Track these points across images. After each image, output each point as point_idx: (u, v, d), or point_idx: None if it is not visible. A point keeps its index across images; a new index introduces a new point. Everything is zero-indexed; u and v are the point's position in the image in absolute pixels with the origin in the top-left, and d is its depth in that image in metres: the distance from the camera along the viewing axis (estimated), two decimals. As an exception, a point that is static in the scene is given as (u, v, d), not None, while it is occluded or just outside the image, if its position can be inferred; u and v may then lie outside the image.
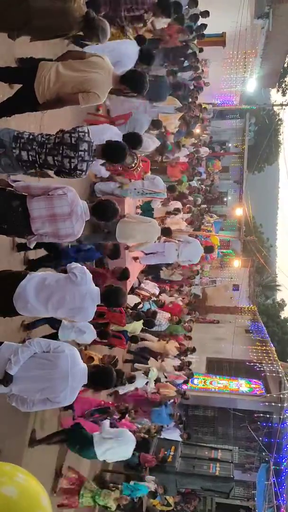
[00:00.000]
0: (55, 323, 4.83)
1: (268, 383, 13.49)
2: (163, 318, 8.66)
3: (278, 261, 36.37)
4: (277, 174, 44.27)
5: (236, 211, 24.04)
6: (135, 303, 7.41)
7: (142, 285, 9.19)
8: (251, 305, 19.61)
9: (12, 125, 3.54)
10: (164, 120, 7.88)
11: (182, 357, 9.62)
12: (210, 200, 19.59)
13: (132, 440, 5.66)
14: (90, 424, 5.72)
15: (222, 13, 11.48)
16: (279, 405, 12.48)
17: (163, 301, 9.18)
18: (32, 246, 3.48)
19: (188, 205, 10.89)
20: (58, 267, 4.79)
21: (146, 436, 7.00)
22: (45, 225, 3.28)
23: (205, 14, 9.65)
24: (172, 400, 9.20)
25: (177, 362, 9.29)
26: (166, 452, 9.13)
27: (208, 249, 9.85)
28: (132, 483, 7.07)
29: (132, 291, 8.42)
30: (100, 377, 3.46)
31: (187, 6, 8.97)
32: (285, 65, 22.29)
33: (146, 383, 8.07)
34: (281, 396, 12.66)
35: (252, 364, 13.71)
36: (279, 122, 29.10)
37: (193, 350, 10.78)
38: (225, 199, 25.42)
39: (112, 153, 3.52)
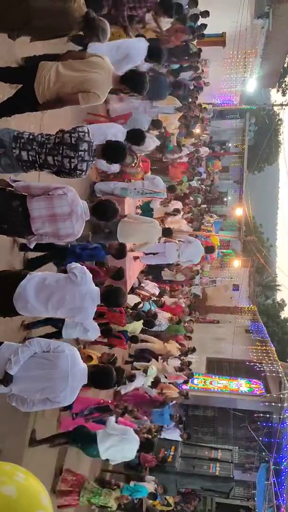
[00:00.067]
0: (58, 322, 4.83)
1: (268, 383, 13.48)
2: (163, 318, 8.66)
3: (278, 261, 36.37)
4: (277, 174, 44.30)
5: (236, 211, 24.04)
6: (135, 303, 7.41)
7: (142, 285, 9.19)
8: (251, 305, 19.60)
9: (12, 125, 3.54)
10: (164, 120, 7.88)
11: (182, 357, 9.62)
12: (210, 200, 19.58)
13: (136, 440, 5.66)
14: (92, 424, 5.72)
15: (222, 13, 11.48)
16: (279, 405, 12.48)
17: (163, 301, 9.18)
18: (32, 246, 3.48)
19: (188, 205, 10.89)
20: (63, 265, 4.79)
21: (150, 436, 6.99)
22: (45, 225, 3.28)
23: (205, 14, 9.66)
24: (174, 401, 9.20)
25: (178, 362, 9.28)
26: (166, 452, 9.14)
27: (209, 249, 9.86)
28: (132, 484, 7.06)
29: (132, 291, 8.42)
30: (100, 377, 3.47)
31: (187, 6, 8.98)
32: (285, 65, 22.29)
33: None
34: (281, 396, 12.66)
35: (252, 364, 13.71)
36: (279, 122, 29.10)
37: (193, 350, 10.79)
38: (225, 199, 25.41)
39: (112, 153, 3.52)
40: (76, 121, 5.62)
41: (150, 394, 8.38)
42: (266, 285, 27.83)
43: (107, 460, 6.06)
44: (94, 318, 3.94)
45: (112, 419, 5.69)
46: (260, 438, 12.93)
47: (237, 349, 14.16)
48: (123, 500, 6.13)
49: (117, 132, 5.51)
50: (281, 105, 22.81)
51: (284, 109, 22.98)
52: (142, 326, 7.45)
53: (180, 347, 9.61)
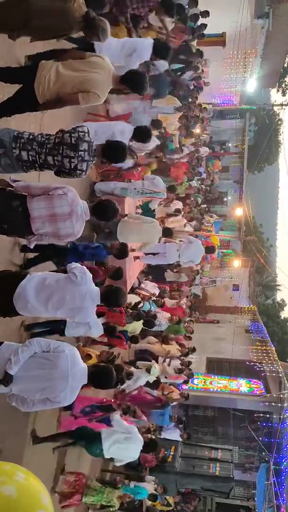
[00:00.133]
0: (58, 326, 4.82)
1: (268, 383, 13.48)
2: (163, 318, 8.66)
3: (278, 261, 36.37)
4: (277, 174, 44.33)
5: (236, 211, 24.03)
6: (135, 303, 7.41)
7: (142, 285, 9.19)
8: (251, 305, 19.60)
9: (12, 125, 3.54)
10: (164, 120, 7.88)
11: (182, 358, 9.61)
12: (210, 200, 19.57)
13: (140, 440, 5.65)
14: (95, 424, 5.72)
15: (222, 13, 11.48)
16: (279, 405, 12.48)
17: (163, 301, 9.18)
18: (32, 246, 3.48)
19: (189, 205, 10.89)
20: (64, 265, 4.79)
21: (153, 437, 7.00)
22: (45, 225, 3.28)
23: (205, 14, 9.66)
24: (175, 402, 9.20)
25: (177, 363, 9.27)
26: (166, 452, 9.13)
27: (209, 249, 9.84)
28: (132, 485, 7.04)
29: (132, 290, 8.42)
30: (100, 377, 3.47)
31: (187, 6, 8.98)
32: (285, 65, 22.29)
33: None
34: (281, 396, 12.66)
35: (252, 364, 13.71)
36: (279, 122, 29.09)
37: (193, 350, 10.79)
38: (225, 199, 25.40)
39: (112, 153, 3.52)
40: (76, 121, 5.61)
41: (154, 395, 8.39)
42: (266, 285, 27.82)
43: (111, 459, 6.05)
44: (94, 318, 3.94)
45: (117, 415, 5.69)
46: (260, 438, 12.93)
47: (237, 349, 14.15)
48: (126, 499, 6.13)
49: (124, 129, 5.52)
50: (281, 105, 22.81)
51: (284, 109, 22.98)
52: (142, 326, 7.44)
53: (180, 348, 9.60)
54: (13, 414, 4.21)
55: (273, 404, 12.50)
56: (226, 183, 24.50)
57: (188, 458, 9.86)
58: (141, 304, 7.69)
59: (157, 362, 9.02)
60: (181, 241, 8.49)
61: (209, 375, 14.03)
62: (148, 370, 7.77)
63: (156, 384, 8.26)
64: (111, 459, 6.15)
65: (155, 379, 8.01)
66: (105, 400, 6.16)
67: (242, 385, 13.64)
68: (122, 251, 5.25)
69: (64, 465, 5.90)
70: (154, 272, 10.00)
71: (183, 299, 10.51)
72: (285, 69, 23.00)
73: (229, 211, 24.90)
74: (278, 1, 12.49)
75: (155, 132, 7.52)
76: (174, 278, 10.34)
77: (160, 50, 5.06)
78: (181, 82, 8.87)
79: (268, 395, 12.82)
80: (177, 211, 9.53)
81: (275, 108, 24.58)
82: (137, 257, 7.78)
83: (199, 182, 14.48)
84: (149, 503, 7.76)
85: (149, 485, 7.49)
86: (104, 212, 3.63)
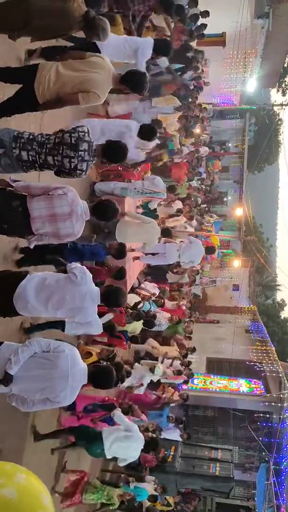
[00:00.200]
0: (57, 327, 4.82)
1: (268, 383, 13.48)
2: (163, 318, 8.65)
3: (278, 261, 36.34)
4: (277, 174, 44.36)
5: (236, 211, 24.03)
6: (135, 303, 7.41)
7: (142, 285, 9.18)
8: (251, 305, 19.60)
9: (12, 125, 3.54)
10: (164, 120, 7.88)
11: (182, 358, 9.59)
12: (210, 200, 19.58)
13: (141, 439, 5.64)
14: (96, 425, 5.72)
15: (222, 13, 11.48)
16: (279, 405, 12.47)
17: (163, 301, 9.17)
18: (32, 246, 3.49)
19: (189, 205, 10.88)
20: (64, 264, 4.77)
21: (154, 435, 6.98)
22: (45, 225, 3.28)
23: (205, 14, 9.65)
24: (174, 404, 9.19)
25: (177, 363, 9.25)
26: (166, 452, 9.12)
27: (209, 250, 9.81)
28: (132, 485, 7.03)
29: (132, 290, 8.41)
30: (100, 377, 3.47)
31: (187, 6, 8.98)
32: (285, 65, 22.29)
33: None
34: (281, 396, 12.65)
35: (252, 364, 13.71)
36: (279, 122, 29.09)
37: (193, 350, 10.78)
38: (225, 199, 25.41)
39: (112, 153, 3.52)
40: (76, 121, 5.62)
41: (155, 395, 8.38)
42: (266, 285, 27.82)
43: (112, 459, 6.03)
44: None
45: (118, 411, 5.68)
46: (260, 438, 12.92)
47: (237, 349, 14.15)
48: (126, 497, 6.13)
49: (131, 125, 5.53)
50: (281, 105, 22.82)
51: (284, 109, 22.99)
52: (142, 326, 7.44)
53: (179, 349, 9.57)
54: (13, 414, 4.21)
55: (273, 404, 12.50)
56: (226, 183, 24.51)
57: (188, 458, 9.86)
58: (141, 304, 7.69)
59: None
60: (181, 241, 8.48)
61: (209, 375, 14.02)
62: (152, 370, 7.75)
63: (157, 385, 8.26)
64: (112, 459, 6.14)
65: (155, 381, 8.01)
66: (107, 398, 6.16)
67: (242, 385, 13.64)
68: (120, 251, 5.24)
69: (66, 462, 5.89)
70: (154, 273, 9.99)
71: (183, 301, 10.50)
72: (285, 69, 23.00)
73: (229, 211, 24.90)
74: (278, 1, 12.49)
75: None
76: (176, 279, 10.32)
77: (160, 47, 5.08)
78: (182, 82, 8.88)
79: (268, 395, 12.82)
80: (179, 211, 9.53)
81: (275, 108, 24.60)
82: (136, 257, 7.78)
83: (199, 182, 14.48)
84: (148, 503, 7.75)
85: (149, 485, 7.48)
86: (104, 212, 3.62)
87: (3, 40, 3.78)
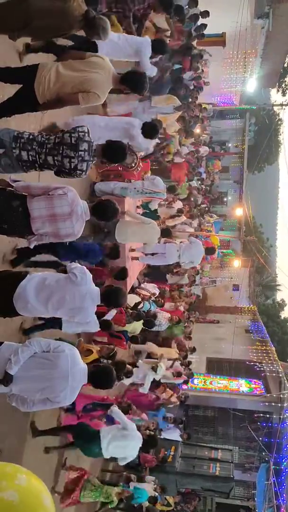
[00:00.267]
0: (55, 325, 4.81)
1: (268, 383, 13.49)
2: (163, 318, 8.64)
3: (278, 261, 36.36)
4: (277, 174, 44.36)
5: (236, 211, 24.05)
6: (135, 303, 7.41)
7: (142, 285, 9.18)
8: (251, 305, 19.60)
9: (12, 125, 3.54)
10: (163, 120, 7.87)
11: (182, 359, 9.56)
12: (210, 200, 19.58)
13: (138, 437, 5.62)
14: (95, 423, 5.71)
15: (222, 13, 11.48)
16: (279, 405, 12.48)
17: (162, 301, 9.16)
18: (32, 246, 3.49)
19: (188, 205, 10.89)
20: (62, 263, 4.75)
21: (152, 433, 6.96)
22: (45, 225, 3.28)
23: (205, 14, 9.66)
24: (172, 405, 9.17)
25: (178, 364, 9.23)
26: (166, 452, 9.12)
27: (209, 250, 9.79)
28: (131, 486, 7.02)
29: (132, 290, 8.41)
30: (100, 377, 3.47)
31: (187, 6, 8.98)
32: (285, 65, 22.30)
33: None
34: (281, 396, 12.66)
35: (252, 364, 13.71)
36: (279, 122, 29.10)
37: (193, 350, 10.77)
38: (225, 199, 25.42)
39: (112, 153, 3.53)
40: (77, 116, 5.61)
41: (157, 395, 8.37)
42: (266, 285, 27.82)
43: (112, 459, 6.02)
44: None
45: (115, 407, 5.67)
46: (260, 438, 12.93)
47: (237, 349, 14.15)
48: (124, 494, 6.13)
49: (133, 122, 5.54)
50: (281, 105, 22.84)
51: (284, 109, 23.01)
52: (142, 326, 7.44)
53: (179, 351, 9.55)
54: (13, 414, 4.21)
55: (273, 404, 12.51)
56: (226, 183, 24.52)
57: (188, 458, 9.85)
58: (141, 305, 7.69)
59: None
60: (181, 241, 8.48)
61: (209, 375, 14.03)
62: (154, 369, 7.75)
63: (157, 384, 8.25)
64: (112, 459, 6.13)
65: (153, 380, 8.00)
66: (106, 397, 6.15)
67: (242, 385, 13.65)
68: (113, 252, 5.22)
69: (66, 458, 5.88)
70: (154, 273, 9.99)
71: (181, 302, 10.44)
72: (285, 69, 23.01)
73: (229, 211, 24.92)
74: (278, 1, 12.50)
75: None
76: (176, 280, 10.32)
77: (157, 46, 5.10)
78: (183, 83, 8.87)
79: (268, 395, 12.83)
80: (179, 211, 9.53)
81: (275, 108, 24.61)
82: (135, 258, 7.77)
83: (199, 182, 14.49)
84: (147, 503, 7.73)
85: (149, 486, 7.46)
86: (104, 212, 3.63)
87: (3, 40, 3.78)
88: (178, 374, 8.82)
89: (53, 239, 3.46)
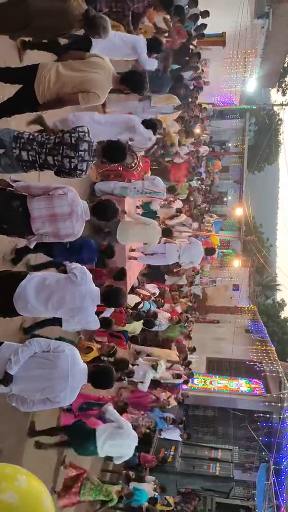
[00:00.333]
0: (55, 323, 4.80)
1: (268, 383, 13.49)
2: (163, 318, 8.64)
3: (278, 261, 36.36)
4: (277, 174, 44.35)
5: (236, 211, 24.06)
6: (135, 303, 7.41)
7: (142, 285, 9.17)
8: (251, 305, 19.60)
9: (12, 125, 3.54)
10: (163, 121, 7.86)
11: (182, 361, 9.53)
12: (210, 200, 19.58)
13: (134, 436, 5.61)
14: (92, 421, 5.69)
15: (222, 13, 11.48)
16: (279, 405, 12.49)
17: (162, 301, 9.15)
18: (32, 246, 3.49)
19: (188, 204, 10.89)
20: (60, 263, 4.71)
21: (148, 430, 6.95)
22: (45, 225, 3.28)
23: (205, 14, 9.65)
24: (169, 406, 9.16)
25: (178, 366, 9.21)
26: (166, 452, 9.11)
27: (209, 251, 9.77)
28: (131, 486, 7.02)
29: (132, 290, 8.41)
30: (100, 377, 3.47)
31: (187, 6, 8.97)
32: (285, 65, 22.31)
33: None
34: (281, 396, 12.67)
35: (252, 364, 13.71)
36: (279, 122, 29.10)
37: (193, 350, 10.76)
38: (225, 199, 25.42)
39: (112, 153, 3.52)
40: (77, 111, 5.60)
41: (156, 396, 8.36)
42: (266, 285, 27.83)
43: (108, 458, 6.02)
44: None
45: (110, 406, 5.65)
46: (260, 438, 12.93)
47: (237, 349, 14.15)
48: (124, 491, 6.13)
49: (134, 118, 5.54)
50: (281, 105, 22.84)
51: (284, 109, 23.01)
52: (142, 326, 7.44)
53: (179, 353, 9.53)
54: (13, 414, 4.21)
55: (273, 404, 12.51)
56: (226, 183, 24.53)
57: (188, 458, 9.84)
58: (141, 305, 7.68)
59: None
60: (181, 241, 8.46)
61: (209, 375, 14.03)
62: (154, 367, 7.73)
63: (156, 384, 8.25)
64: (111, 459, 6.12)
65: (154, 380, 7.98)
66: (101, 397, 6.14)
67: (242, 385, 13.65)
68: (109, 250, 5.16)
69: (65, 456, 5.87)
70: (153, 273, 9.98)
71: (178, 304, 10.39)
72: (285, 69, 23.02)
73: (229, 211, 24.93)
74: (278, 1, 12.50)
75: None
76: (174, 281, 10.30)
77: (153, 45, 5.10)
78: (184, 83, 8.85)
79: (268, 395, 12.83)
80: (178, 211, 9.52)
81: (275, 108, 24.61)
82: (134, 258, 7.76)
83: (199, 182, 14.49)
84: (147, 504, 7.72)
85: (148, 486, 7.46)
86: (104, 212, 3.63)
87: (3, 40, 3.78)
88: (178, 376, 8.79)
89: (53, 239, 3.46)
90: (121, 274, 5.42)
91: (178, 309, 9.88)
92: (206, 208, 16.84)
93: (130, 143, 5.60)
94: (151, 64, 5.32)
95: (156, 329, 8.55)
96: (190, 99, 10.23)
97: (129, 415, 7.02)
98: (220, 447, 11.51)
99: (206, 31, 9.77)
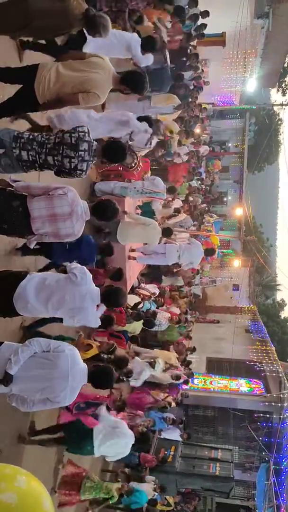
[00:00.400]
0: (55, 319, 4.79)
1: (268, 383, 13.48)
2: (163, 318, 8.64)
3: (278, 261, 36.44)
4: (277, 174, 44.39)
5: (236, 211, 24.06)
6: (135, 303, 7.40)
7: (142, 285, 9.16)
8: (251, 305, 19.60)
9: (12, 125, 3.54)
10: (167, 127, 7.86)
11: (182, 362, 9.51)
12: (210, 200, 19.58)
13: (130, 435, 5.60)
14: (90, 420, 5.69)
15: (222, 13, 11.48)
16: (279, 405, 12.47)
17: (162, 301, 9.14)
18: (32, 246, 3.49)
19: (188, 204, 10.88)
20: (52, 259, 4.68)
21: (145, 429, 6.93)
22: (45, 225, 3.28)
23: (205, 14, 9.65)
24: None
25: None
26: (166, 452, 9.11)
27: (209, 251, 9.75)
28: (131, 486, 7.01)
29: (132, 290, 8.41)
30: (100, 377, 3.47)
31: (187, 6, 8.97)
32: (285, 65, 22.33)
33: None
34: (281, 396, 12.66)
35: (252, 364, 13.71)
36: (279, 122, 29.12)
37: (193, 350, 10.76)
38: (225, 199, 25.42)
39: (112, 153, 3.52)
40: (75, 108, 5.59)
41: (155, 397, 8.35)
42: (266, 285, 27.84)
43: (103, 458, 6.01)
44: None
45: (103, 408, 5.64)
46: (260, 438, 12.92)
47: (237, 349, 14.14)
48: (124, 489, 6.14)
49: (126, 113, 5.53)
50: (281, 105, 22.85)
51: (284, 109, 23.01)
52: (142, 326, 7.43)
53: (177, 355, 9.52)
54: (13, 414, 4.21)
55: (273, 404, 12.50)
56: (226, 183, 24.53)
57: (188, 458, 9.83)
58: (141, 305, 7.68)
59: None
60: (182, 241, 8.46)
61: (209, 375, 14.02)
62: (152, 365, 7.71)
63: (156, 385, 8.24)
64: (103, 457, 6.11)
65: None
66: (98, 396, 6.13)
67: (242, 385, 13.64)
68: (107, 248, 5.12)
69: (63, 456, 5.87)
70: (152, 273, 9.98)
71: (174, 306, 10.35)
72: (285, 69, 23.03)
73: (229, 211, 24.93)
74: (278, 1, 12.51)
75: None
76: (170, 282, 10.29)
77: (147, 43, 5.09)
78: (183, 77, 8.82)
79: (268, 395, 12.82)
80: (177, 210, 9.51)
81: (275, 108, 24.61)
82: (133, 258, 7.75)
83: (199, 182, 14.49)
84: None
85: (148, 486, 7.45)
86: (104, 212, 3.63)
87: (3, 40, 3.78)
88: (177, 378, 8.78)
89: (53, 239, 3.46)
90: (118, 274, 5.42)
91: (176, 310, 9.87)
92: (206, 208, 16.83)
93: (130, 143, 5.60)
94: (146, 60, 5.30)
95: (156, 329, 8.55)
96: (190, 99, 10.23)
97: (126, 414, 7.00)
98: (220, 447, 11.50)
99: (206, 31, 9.77)
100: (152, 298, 8.71)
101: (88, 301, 3.54)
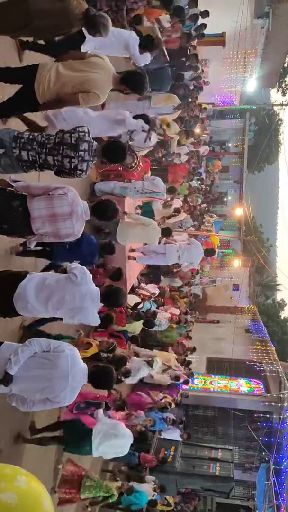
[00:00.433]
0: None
1: (268, 383, 13.48)
2: (163, 318, 8.63)
3: (278, 261, 36.44)
4: (277, 174, 44.40)
5: (236, 211, 24.06)
6: (135, 303, 7.40)
7: (142, 285, 9.16)
8: (251, 305, 19.60)
9: (12, 125, 3.54)
10: (163, 121, 7.85)
11: (181, 363, 9.50)
12: (210, 201, 19.57)
13: (128, 435, 5.61)
14: (90, 420, 5.69)
15: (222, 13, 11.48)
16: (279, 405, 12.47)
17: (162, 301, 9.14)
18: (32, 246, 3.48)
19: (188, 204, 10.87)
20: (58, 263, 4.68)
21: (143, 429, 6.92)
22: (45, 225, 3.29)
23: (205, 14, 9.65)
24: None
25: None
26: (166, 452, 9.10)
27: (209, 252, 9.75)
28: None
29: (132, 290, 8.40)
30: (100, 377, 3.47)
31: (187, 6, 8.97)
32: (285, 65, 22.32)
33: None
34: (281, 396, 12.65)
35: (252, 364, 13.71)
36: (279, 122, 29.12)
37: (193, 350, 10.75)
38: (225, 199, 25.42)
39: (112, 153, 3.52)
40: (74, 107, 5.59)
41: (153, 398, 8.35)
42: (266, 285, 27.84)
43: (101, 457, 6.01)
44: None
45: (100, 411, 5.64)
46: (260, 438, 12.92)
47: (237, 349, 14.14)
48: (124, 487, 6.14)
49: (123, 112, 5.52)
50: (281, 105, 22.85)
51: (284, 109, 23.02)
52: (142, 326, 7.43)
53: (176, 356, 9.51)
54: (13, 414, 4.21)
55: (273, 404, 12.49)
56: (226, 183, 24.53)
57: (188, 458, 9.83)
58: (141, 305, 7.68)
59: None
60: (181, 242, 8.46)
61: (209, 375, 14.02)
62: (150, 364, 7.70)
63: (154, 385, 8.24)
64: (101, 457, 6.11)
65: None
66: (98, 396, 6.13)
67: (242, 385, 13.64)
68: (108, 247, 5.12)
69: (63, 456, 5.87)
70: (152, 273, 9.98)
71: (172, 309, 10.32)
72: (285, 69, 23.03)
73: (229, 211, 24.92)
74: (278, 1, 12.51)
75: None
76: (168, 282, 10.27)
77: (145, 43, 5.09)
78: (183, 76, 8.81)
79: (268, 395, 12.82)
80: (177, 210, 9.51)
81: (275, 108, 24.62)
82: (133, 258, 7.75)
83: (199, 182, 14.49)
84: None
85: (148, 486, 7.45)
86: (104, 212, 3.63)
87: (3, 40, 3.78)
88: (176, 378, 8.78)
89: (53, 239, 3.46)
90: (118, 274, 5.42)
91: (175, 311, 9.86)
92: (206, 208, 16.83)
93: (130, 143, 5.60)
94: (144, 59, 5.30)
95: (156, 329, 8.55)
96: (190, 99, 10.23)
97: (124, 414, 7.00)
98: (220, 447, 11.50)
99: (206, 31, 9.77)
100: (152, 298, 8.71)
101: (88, 301, 3.54)
